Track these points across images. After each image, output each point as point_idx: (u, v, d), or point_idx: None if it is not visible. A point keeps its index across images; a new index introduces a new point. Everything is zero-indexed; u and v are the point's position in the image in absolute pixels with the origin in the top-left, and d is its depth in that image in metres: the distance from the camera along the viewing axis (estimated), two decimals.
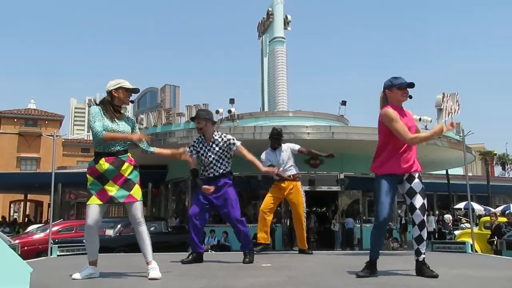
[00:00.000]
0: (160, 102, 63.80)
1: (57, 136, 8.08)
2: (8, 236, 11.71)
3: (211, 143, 5.03)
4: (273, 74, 26.22)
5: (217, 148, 5.01)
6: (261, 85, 27.65)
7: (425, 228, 3.67)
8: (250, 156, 5.07)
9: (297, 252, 6.67)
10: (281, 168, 6.24)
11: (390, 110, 3.66)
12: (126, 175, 3.74)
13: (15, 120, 42.03)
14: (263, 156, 6.47)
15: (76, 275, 3.61)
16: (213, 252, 11.45)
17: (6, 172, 29.68)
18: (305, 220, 6.54)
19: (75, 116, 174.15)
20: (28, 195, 31.45)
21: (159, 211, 21.84)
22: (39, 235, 12.64)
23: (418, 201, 3.65)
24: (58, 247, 6.40)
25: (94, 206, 3.65)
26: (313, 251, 6.80)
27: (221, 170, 5.01)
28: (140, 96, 66.87)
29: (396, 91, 3.74)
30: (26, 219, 29.47)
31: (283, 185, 6.38)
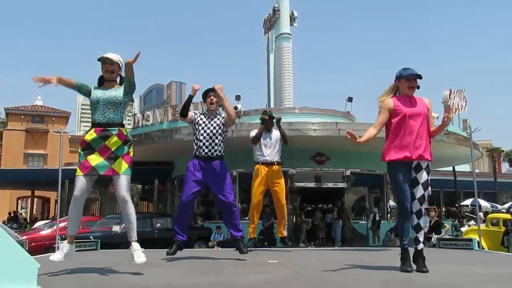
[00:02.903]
0: (166, 98, 63.95)
1: (64, 132, 8.15)
2: (15, 232, 11.81)
3: (212, 116, 4.95)
4: (279, 71, 26.20)
5: (217, 122, 4.90)
6: (267, 82, 27.63)
7: (423, 217, 3.69)
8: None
9: (304, 248, 6.67)
10: (268, 149, 6.24)
11: (385, 101, 3.81)
12: (112, 149, 3.63)
13: (22, 116, 42.26)
14: (253, 132, 6.51)
15: (56, 257, 3.57)
16: (219, 248, 11.48)
17: (14, 169, 29.90)
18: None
19: (81, 113, 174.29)
20: (35, 191, 31.64)
21: (165, 207, 21.88)
22: (46, 231, 12.75)
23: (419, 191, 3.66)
24: None
25: (79, 178, 3.61)
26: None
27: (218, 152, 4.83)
28: (146, 92, 67.03)
29: (404, 82, 3.79)
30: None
31: (266, 168, 6.19)
